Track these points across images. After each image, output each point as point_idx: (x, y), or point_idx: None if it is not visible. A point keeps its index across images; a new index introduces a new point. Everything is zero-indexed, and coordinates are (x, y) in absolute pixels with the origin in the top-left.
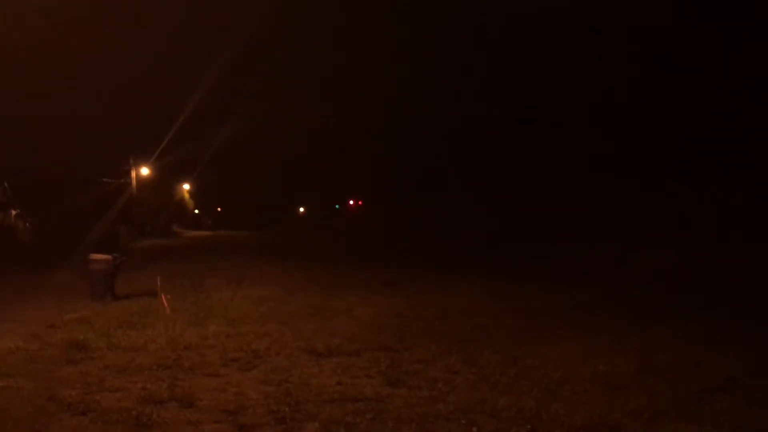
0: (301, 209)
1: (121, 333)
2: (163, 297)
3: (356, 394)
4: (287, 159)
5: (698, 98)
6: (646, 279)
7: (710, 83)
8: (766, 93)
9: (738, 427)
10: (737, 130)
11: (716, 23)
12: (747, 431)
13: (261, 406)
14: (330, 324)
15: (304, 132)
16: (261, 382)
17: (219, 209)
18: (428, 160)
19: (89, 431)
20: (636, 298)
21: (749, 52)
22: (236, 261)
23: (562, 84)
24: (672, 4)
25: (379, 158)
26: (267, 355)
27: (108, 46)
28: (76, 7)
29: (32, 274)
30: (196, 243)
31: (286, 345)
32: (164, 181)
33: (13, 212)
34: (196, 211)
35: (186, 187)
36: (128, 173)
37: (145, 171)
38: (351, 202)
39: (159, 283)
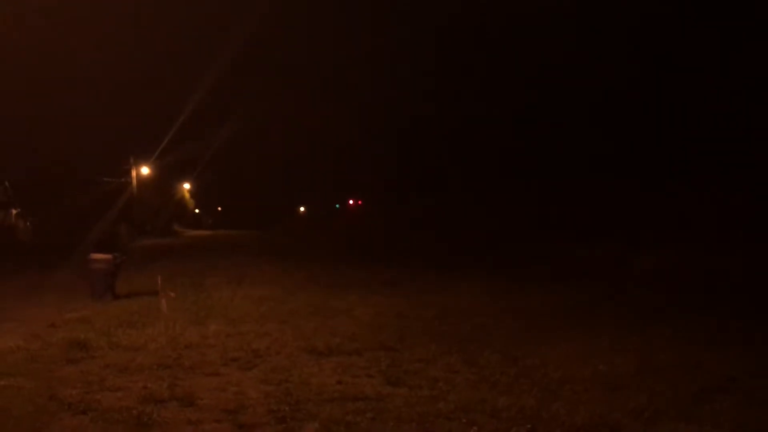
0: (302, 209)
1: (121, 332)
2: (165, 295)
3: (356, 394)
4: (287, 159)
5: (698, 98)
6: (646, 279)
7: (710, 83)
8: (766, 93)
9: (738, 427)
10: (737, 130)
11: (716, 23)
12: (747, 431)
13: (261, 405)
14: (330, 323)
15: (304, 132)
16: (261, 381)
17: (219, 209)
18: (428, 160)
19: (90, 430)
20: (636, 298)
21: (749, 52)
22: (236, 260)
23: (562, 84)
24: (672, 4)
25: (379, 158)
26: (267, 354)
27: (108, 46)
28: (76, 7)
29: (33, 273)
30: (196, 242)
31: (286, 344)
32: (165, 180)
33: (14, 212)
34: (197, 211)
35: (186, 186)
36: (128, 173)
37: (145, 170)
38: (351, 202)
39: (160, 283)
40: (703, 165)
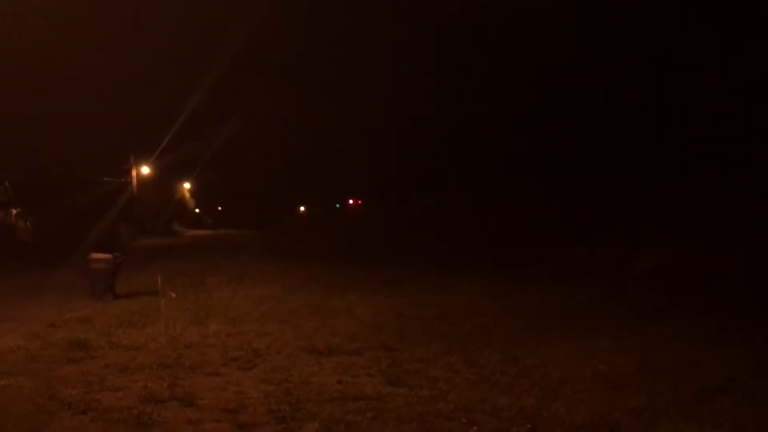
0: (302, 208)
1: (121, 332)
2: (165, 295)
3: (357, 393)
4: (287, 159)
5: (698, 98)
6: (646, 279)
7: (710, 83)
8: (766, 93)
9: (738, 427)
10: (737, 130)
11: (716, 23)
12: (747, 431)
13: (261, 405)
14: (330, 323)
15: (304, 132)
16: (261, 381)
17: (219, 208)
18: (428, 160)
19: (90, 430)
20: (636, 298)
21: (749, 52)
22: (237, 260)
23: (562, 84)
24: (672, 4)
25: (379, 158)
26: (267, 354)
27: (108, 46)
28: (76, 7)
29: (33, 273)
30: (196, 242)
31: (286, 344)
32: (165, 180)
33: (14, 211)
34: (197, 210)
35: (186, 186)
36: (129, 172)
37: (145, 170)
38: (351, 202)
39: (160, 282)
40: (703, 165)
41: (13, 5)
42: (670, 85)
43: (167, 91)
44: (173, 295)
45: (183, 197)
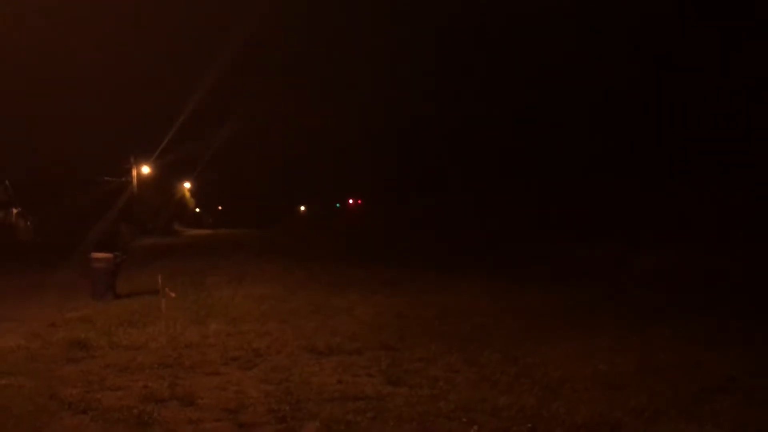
0: (302, 208)
1: (122, 331)
2: (165, 294)
3: (357, 393)
4: (287, 159)
5: (698, 98)
6: (646, 279)
7: (710, 83)
8: (766, 93)
9: (738, 427)
10: (737, 130)
11: (716, 23)
12: (747, 431)
13: (261, 404)
14: (331, 323)
15: (304, 132)
16: (262, 380)
17: (220, 208)
18: (428, 160)
19: (90, 430)
20: (636, 298)
21: (749, 52)
22: (237, 259)
23: (562, 84)
24: (672, 4)
25: (379, 158)
26: (268, 353)
27: (108, 46)
28: (76, 7)
29: (33, 272)
30: (197, 241)
31: (286, 343)
32: (165, 179)
33: (14, 211)
34: (197, 210)
35: (187, 185)
36: (129, 172)
37: (145, 170)
38: (351, 202)
39: (160, 282)
40: (703, 165)
41: (13, 5)
42: (670, 85)
43: (167, 91)
44: (173, 294)
45: (183, 197)
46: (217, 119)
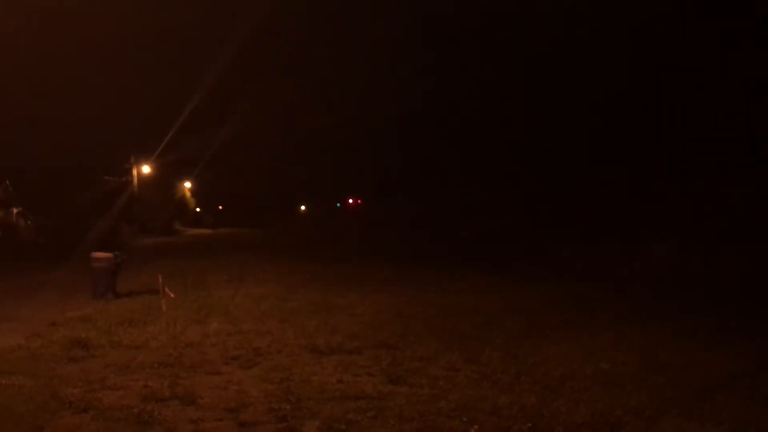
0: (302, 207)
1: (122, 331)
2: (165, 294)
3: (357, 392)
4: (287, 159)
5: (698, 98)
6: (646, 278)
7: (710, 83)
8: (766, 93)
9: (739, 425)
10: (737, 130)
11: (716, 23)
12: (748, 429)
13: (262, 403)
14: (331, 322)
15: (304, 132)
16: (262, 379)
17: (220, 207)
18: (428, 159)
19: (91, 429)
20: (636, 297)
21: (749, 52)
22: (237, 259)
23: (562, 84)
24: (672, 4)
25: (379, 158)
26: (268, 352)
27: (108, 46)
28: (76, 7)
29: (34, 272)
30: (197, 241)
31: (287, 343)
32: (165, 179)
33: (15, 210)
34: (198, 210)
35: (187, 185)
36: (129, 171)
37: (146, 169)
38: (350, 201)
39: (161, 281)
40: (703, 165)
41: (13, 5)
42: (670, 85)
43: (167, 91)
44: (171, 295)
45: (184, 196)
46: (218, 118)
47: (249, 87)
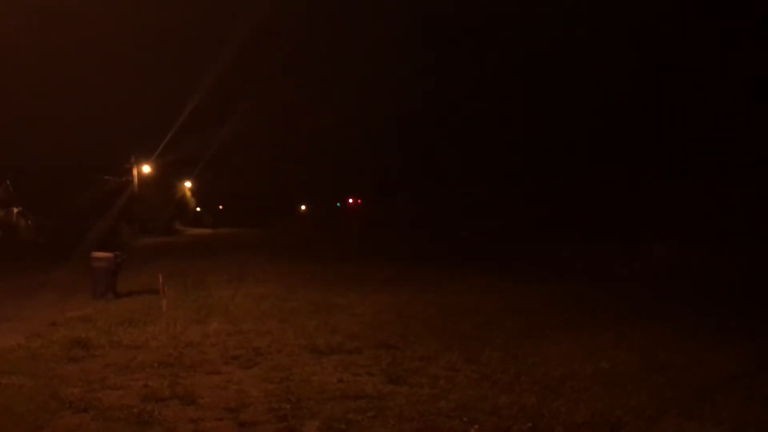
0: (303, 207)
1: (122, 331)
2: (165, 294)
3: (357, 392)
4: (287, 159)
5: (698, 98)
6: (646, 278)
7: (710, 83)
8: (766, 93)
9: (739, 425)
10: (737, 130)
11: (716, 23)
12: (748, 429)
13: (262, 403)
14: (331, 321)
15: (304, 132)
16: (262, 379)
17: (221, 207)
18: (428, 159)
19: (91, 428)
20: (636, 297)
21: (749, 52)
22: (238, 258)
23: (562, 84)
24: (672, 4)
25: (379, 158)
26: (268, 352)
27: (108, 46)
28: (76, 7)
29: (34, 272)
30: (197, 241)
31: (287, 343)
32: (166, 179)
33: (15, 210)
34: (198, 209)
35: (187, 185)
36: (129, 171)
37: (146, 169)
38: (350, 201)
39: (161, 281)
40: (703, 164)
41: (13, 5)
42: (670, 85)
43: (167, 91)
44: (170, 293)
45: (184, 196)
46: (218, 118)
47: (249, 87)
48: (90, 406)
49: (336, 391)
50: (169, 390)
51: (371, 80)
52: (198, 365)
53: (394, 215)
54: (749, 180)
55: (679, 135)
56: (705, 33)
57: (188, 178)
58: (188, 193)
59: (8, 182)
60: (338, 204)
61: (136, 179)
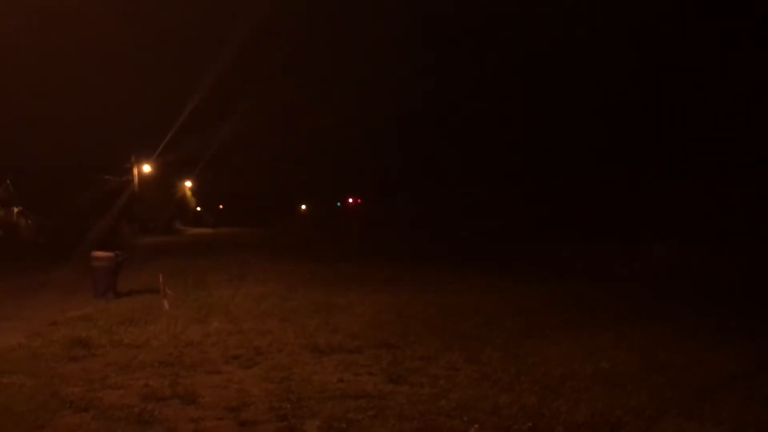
0: (303, 207)
1: (123, 330)
2: (166, 293)
3: (358, 391)
4: (287, 159)
5: (698, 98)
6: (646, 278)
7: (710, 83)
8: (766, 93)
9: (739, 425)
10: (737, 130)
11: (716, 23)
12: (748, 429)
13: (263, 403)
14: (332, 321)
15: (304, 132)
16: (263, 379)
17: (221, 207)
18: (428, 159)
19: (91, 428)
20: (636, 297)
21: (749, 52)
22: (238, 258)
23: (563, 84)
24: (672, 4)
25: (379, 158)
26: (268, 352)
27: (108, 46)
28: (76, 7)
29: (34, 271)
30: (198, 240)
31: (287, 342)
32: (166, 178)
33: (15, 210)
34: (198, 209)
35: (188, 184)
36: (130, 171)
37: (146, 168)
38: (350, 201)
39: (161, 281)
40: (703, 164)
41: (13, 5)
42: (670, 85)
43: (167, 90)
44: (170, 292)
45: (184, 196)
46: (218, 118)
47: (249, 87)
48: (90, 405)
49: (336, 391)
50: (170, 389)
51: (371, 80)
52: (198, 364)
53: (394, 215)
54: (749, 180)
55: (679, 135)
56: (705, 33)
57: (188, 178)
58: (188, 193)
59: (8, 182)
60: (338, 204)
61: (136, 179)
